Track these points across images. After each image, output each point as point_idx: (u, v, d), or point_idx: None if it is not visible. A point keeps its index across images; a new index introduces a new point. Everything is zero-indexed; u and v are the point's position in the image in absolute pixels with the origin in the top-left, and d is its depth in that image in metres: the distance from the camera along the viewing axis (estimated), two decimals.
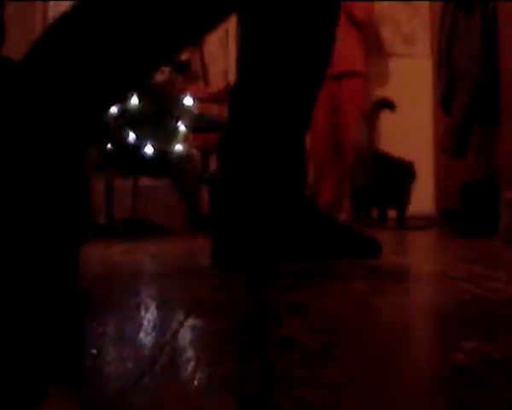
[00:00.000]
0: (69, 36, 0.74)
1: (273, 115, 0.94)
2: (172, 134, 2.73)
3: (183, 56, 3.91)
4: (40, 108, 0.71)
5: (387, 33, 4.66)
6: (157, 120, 2.65)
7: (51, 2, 2.98)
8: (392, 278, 1.08)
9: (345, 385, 0.42)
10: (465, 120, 2.41)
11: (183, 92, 2.99)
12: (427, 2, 4.36)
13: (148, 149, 2.60)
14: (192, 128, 2.89)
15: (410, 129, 4.42)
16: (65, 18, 0.76)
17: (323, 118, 4.24)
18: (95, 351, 0.54)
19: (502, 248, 1.84)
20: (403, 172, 3.20)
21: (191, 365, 0.49)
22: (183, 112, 2.83)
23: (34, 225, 0.77)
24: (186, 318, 0.69)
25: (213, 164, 3.88)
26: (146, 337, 0.60)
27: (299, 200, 1.01)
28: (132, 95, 2.57)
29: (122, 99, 2.52)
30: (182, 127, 2.78)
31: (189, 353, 0.54)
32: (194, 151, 2.91)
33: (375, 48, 4.62)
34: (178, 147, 2.73)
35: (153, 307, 0.78)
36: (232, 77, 4.61)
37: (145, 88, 2.62)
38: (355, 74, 4.19)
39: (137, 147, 2.58)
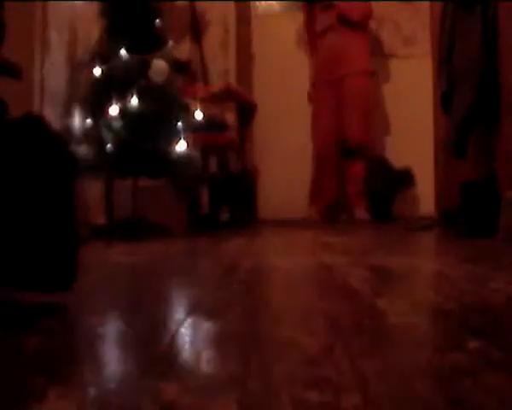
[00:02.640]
0: None
1: None
2: (172, 134, 2.73)
3: (183, 56, 3.91)
4: None
5: (387, 34, 4.65)
6: (157, 120, 2.65)
7: (51, 3, 2.98)
8: (393, 278, 1.08)
9: (344, 385, 0.42)
10: (465, 120, 2.41)
11: (183, 92, 2.99)
12: (427, 3, 4.36)
13: (148, 150, 2.59)
14: (192, 128, 2.89)
15: (411, 129, 4.41)
16: None
17: (327, 119, 4.24)
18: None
19: (502, 248, 1.84)
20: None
21: (191, 365, 0.49)
22: (183, 112, 2.83)
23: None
24: (186, 318, 0.69)
25: (213, 164, 3.88)
26: (146, 337, 0.60)
27: None
28: (132, 95, 2.57)
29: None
30: (182, 127, 2.78)
31: (189, 353, 0.54)
32: (194, 151, 2.91)
33: (375, 48, 4.62)
34: (178, 147, 2.72)
35: (153, 307, 0.78)
36: (232, 77, 4.62)
37: (145, 88, 2.62)
38: (356, 74, 4.19)
39: (137, 147, 2.58)
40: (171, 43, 2.80)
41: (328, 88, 4.25)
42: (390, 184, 3.99)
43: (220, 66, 4.67)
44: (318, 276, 1.12)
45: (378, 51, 4.69)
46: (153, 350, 0.55)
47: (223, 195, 3.75)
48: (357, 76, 4.22)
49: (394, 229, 3.18)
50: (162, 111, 2.68)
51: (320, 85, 4.29)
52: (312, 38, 4.37)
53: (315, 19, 4.30)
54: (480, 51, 2.31)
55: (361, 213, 4.14)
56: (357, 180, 4.17)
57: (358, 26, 4.23)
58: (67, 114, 2.91)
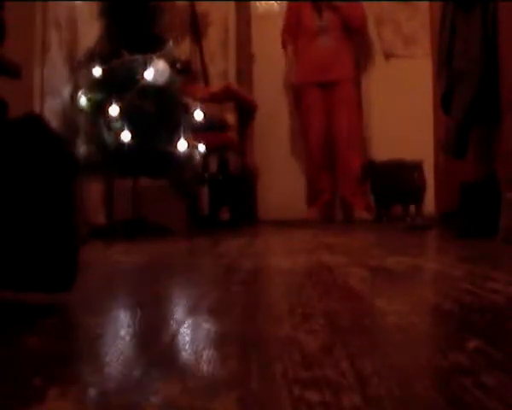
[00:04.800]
0: None
1: None
2: (172, 134, 2.73)
3: (184, 56, 3.91)
4: None
5: (387, 34, 4.65)
6: (157, 119, 2.65)
7: (51, 3, 2.98)
8: (393, 278, 1.08)
9: (344, 385, 0.42)
10: (465, 120, 2.40)
11: (183, 92, 2.98)
12: (427, 3, 4.35)
13: (148, 150, 2.59)
14: (192, 128, 2.89)
15: (410, 129, 4.42)
16: None
17: (318, 123, 4.25)
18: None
19: (502, 248, 1.84)
20: None
21: (191, 365, 0.49)
22: (183, 112, 2.83)
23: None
24: (186, 318, 0.69)
25: (213, 164, 3.88)
26: (146, 337, 0.60)
27: None
28: (132, 95, 2.57)
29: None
30: (182, 127, 2.77)
31: (189, 353, 0.54)
32: (195, 151, 2.91)
33: (374, 48, 4.62)
34: (178, 147, 2.72)
35: (153, 307, 0.78)
36: (232, 77, 4.61)
37: (146, 88, 2.62)
38: (347, 79, 4.21)
39: (137, 147, 2.58)
40: (171, 43, 2.80)
41: (319, 90, 4.24)
42: (393, 183, 4.02)
43: (220, 66, 4.67)
44: (318, 276, 1.12)
45: (378, 51, 4.69)
46: (153, 350, 0.55)
47: (223, 195, 3.75)
48: (348, 82, 4.24)
49: (394, 229, 3.18)
50: (162, 111, 2.68)
51: (310, 86, 4.27)
52: (296, 35, 4.33)
53: (308, 16, 4.26)
54: (480, 51, 2.31)
55: (361, 212, 4.14)
56: (352, 180, 4.17)
57: (357, 31, 4.25)
58: (67, 114, 2.91)
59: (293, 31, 4.32)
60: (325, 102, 4.25)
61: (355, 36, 4.31)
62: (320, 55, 4.21)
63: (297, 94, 4.38)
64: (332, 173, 4.34)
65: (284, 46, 4.41)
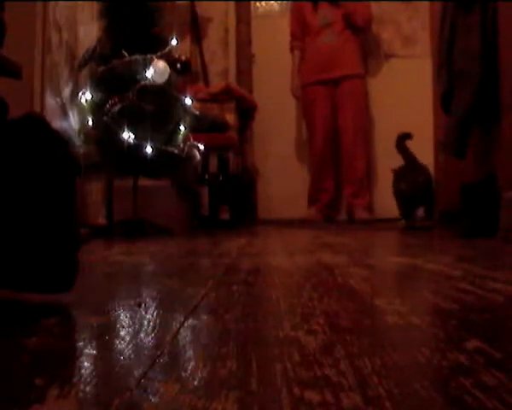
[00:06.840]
0: None
1: None
2: (172, 134, 2.73)
3: (183, 56, 3.91)
4: None
5: (387, 34, 4.65)
6: (157, 120, 2.65)
7: (51, 3, 2.98)
8: (393, 278, 1.09)
9: (344, 385, 0.42)
10: (465, 120, 2.41)
11: (183, 92, 2.98)
12: (427, 3, 4.35)
13: (148, 150, 2.59)
14: (192, 128, 2.89)
15: (410, 129, 4.41)
16: None
17: (323, 121, 4.24)
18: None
19: (502, 248, 1.84)
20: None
21: (191, 365, 0.49)
22: (183, 112, 2.83)
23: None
24: (186, 318, 0.69)
25: (213, 164, 3.88)
26: (146, 337, 0.60)
27: None
28: (132, 95, 2.57)
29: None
30: (182, 127, 2.78)
31: (189, 353, 0.54)
32: (195, 151, 2.90)
33: (374, 48, 4.62)
34: (178, 147, 2.72)
35: (153, 307, 0.78)
36: (232, 77, 4.61)
37: (146, 88, 2.62)
38: (353, 76, 4.20)
39: (137, 147, 2.58)
40: (174, 42, 2.79)
41: (324, 88, 4.23)
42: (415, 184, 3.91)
43: (220, 66, 4.67)
44: (318, 276, 1.12)
45: (378, 51, 4.69)
46: (153, 350, 0.55)
47: (223, 195, 3.75)
48: (354, 78, 4.22)
49: (394, 229, 3.18)
50: (162, 111, 2.68)
51: (314, 85, 4.26)
52: (303, 33, 4.33)
53: (310, 15, 4.25)
54: (480, 51, 2.31)
55: (361, 213, 4.14)
56: (355, 180, 4.17)
57: (360, 30, 4.24)
58: (67, 114, 2.91)
59: (300, 35, 4.33)
60: (330, 100, 4.24)
61: (360, 34, 4.30)
62: (323, 53, 4.20)
63: (302, 94, 4.36)
64: (336, 172, 4.33)
65: (292, 51, 4.41)
